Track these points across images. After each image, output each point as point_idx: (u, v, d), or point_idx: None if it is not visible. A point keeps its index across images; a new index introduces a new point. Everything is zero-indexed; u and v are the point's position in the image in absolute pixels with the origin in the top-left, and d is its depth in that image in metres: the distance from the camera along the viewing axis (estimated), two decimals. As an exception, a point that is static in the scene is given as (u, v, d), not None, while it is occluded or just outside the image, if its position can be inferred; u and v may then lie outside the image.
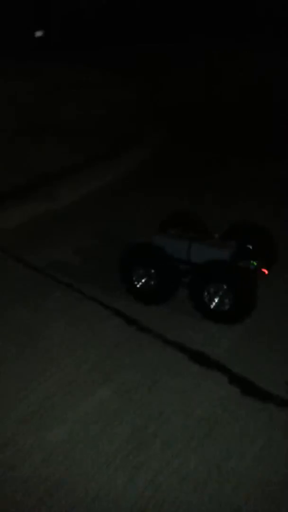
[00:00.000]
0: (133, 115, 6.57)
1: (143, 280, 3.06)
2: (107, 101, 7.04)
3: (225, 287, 2.82)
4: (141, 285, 3.06)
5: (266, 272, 3.09)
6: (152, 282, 3.03)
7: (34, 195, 4.45)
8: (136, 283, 3.06)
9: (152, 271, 3.00)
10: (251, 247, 3.16)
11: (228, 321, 2.89)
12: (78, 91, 7.56)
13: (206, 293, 2.88)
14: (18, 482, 1.98)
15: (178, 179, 5.04)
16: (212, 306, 2.87)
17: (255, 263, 3.07)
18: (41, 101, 7.10)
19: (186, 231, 3.23)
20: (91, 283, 3.22)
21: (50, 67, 8.89)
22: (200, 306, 2.94)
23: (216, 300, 2.86)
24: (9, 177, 4.71)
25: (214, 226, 3.29)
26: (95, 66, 8.94)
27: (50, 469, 2.02)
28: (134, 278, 3.06)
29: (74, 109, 6.67)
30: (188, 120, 6.68)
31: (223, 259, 2.94)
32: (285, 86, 8.09)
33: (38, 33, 10.57)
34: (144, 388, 2.41)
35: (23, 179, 4.67)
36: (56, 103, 6.94)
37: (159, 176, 5.16)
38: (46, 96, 7.32)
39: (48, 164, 5.01)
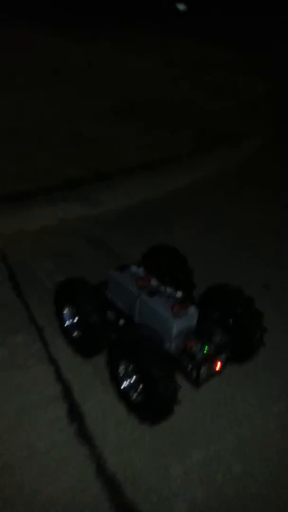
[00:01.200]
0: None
1: (70, 320, 2.61)
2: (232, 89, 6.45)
3: (131, 367, 2.19)
4: (68, 326, 2.61)
5: (218, 366, 2.28)
6: (78, 328, 2.54)
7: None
8: (65, 321, 2.62)
9: (76, 316, 2.52)
10: (219, 326, 2.37)
11: (139, 417, 2.22)
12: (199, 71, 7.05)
13: (121, 369, 2.24)
14: None
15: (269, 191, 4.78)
16: (122, 388, 2.27)
17: (206, 348, 2.26)
18: (154, 77, 6.71)
19: (157, 274, 2.57)
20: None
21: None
22: (114, 383, 2.33)
23: (125, 383, 2.24)
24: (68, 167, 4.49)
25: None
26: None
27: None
28: (63, 314, 2.61)
29: (184, 91, 6.23)
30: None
31: (169, 327, 2.23)
32: None
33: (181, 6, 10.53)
34: None
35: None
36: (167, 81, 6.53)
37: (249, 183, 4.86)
38: (162, 71, 6.86)
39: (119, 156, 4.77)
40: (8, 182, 4.21)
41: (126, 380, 2.25)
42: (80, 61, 8.07)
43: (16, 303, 3.04)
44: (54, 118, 5.71)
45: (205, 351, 2.24)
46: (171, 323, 2.23)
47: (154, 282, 2.50)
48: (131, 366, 2.17)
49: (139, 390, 2.17)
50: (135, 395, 2.22)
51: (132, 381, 2.21)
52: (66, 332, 2.64)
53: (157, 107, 6.42)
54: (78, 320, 2.53)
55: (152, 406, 2.11)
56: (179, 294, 2.41)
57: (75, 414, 2.31)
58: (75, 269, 3.36)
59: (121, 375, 2.25)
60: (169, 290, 2.43)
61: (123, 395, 2.28)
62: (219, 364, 2.28)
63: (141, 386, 2.15)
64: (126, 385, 2.25)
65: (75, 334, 2.58)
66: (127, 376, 2.23)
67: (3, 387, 2.44)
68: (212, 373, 2.29)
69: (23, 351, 2.67)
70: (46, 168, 4.52)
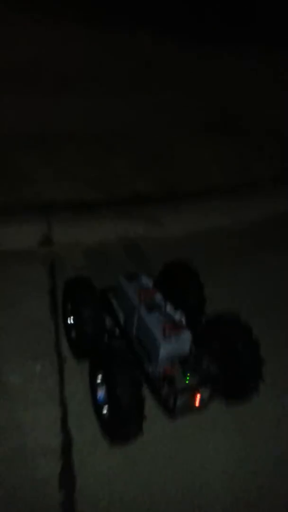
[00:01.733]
0: None
1: (71, 318, 2.58)
2: None
3: (99, 378, 2.12)
4: (69, 324, 2.60)
5: (197, 402, 2.04)
6: (74, 328, 2.52)
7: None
8: (66, 318, 2.60)
9: (73, 315, 2.52)
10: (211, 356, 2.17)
11: (106, 434, 2.11)
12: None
13: (98, 378, 2.16)
14: None
15: None
16: (97, 399, 2.16)
17: (188, 378, 2.08)
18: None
19: (164, 291, 2.41)
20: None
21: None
22: (92, 392, 2.23)
23: (99, 394, 2.14)
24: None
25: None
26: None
27: None
28: (66, 310, 2.60)
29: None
30: None
31: (156, 347, 2.08)
32: None
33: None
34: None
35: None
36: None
37: None
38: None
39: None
40: (81, 189, 4.04)
41: (100, 391, 2.15)
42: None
43: (48, 323, 2.85)
44: (141, 125, 5.45)
45: (186, 381, 2.07)
46: (158, 344, 2.08)
47: (158, 297, 2.36)
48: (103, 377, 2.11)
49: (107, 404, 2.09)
50: (105, 410, 2.10)
51: (103, 394, 2.12)
52: (66, 329, 2.62)
53: (254, 122, 5.93)
54: (74, 319, 2.51)
55: (114, 421, 2.00)
56: (178, 315, 2.23)
57: (67, 476, 2.05)
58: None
59: (98, 382, 2.16)
60: (169, 308, 2.27)
61: (97, 409, 2.17)
62: (198, 397, 2.04)
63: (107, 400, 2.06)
64: (100, 395, 2.15)
65: (72, 334, 2.54)
66: (101, 386, 2.14)
67: (3, 422, 2.24)
68: (191, 407, 2.06)
69: (38, 383, 2.46)
70: (118, 177, 4.29)
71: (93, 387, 2.20)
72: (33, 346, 2.68)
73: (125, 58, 7.26)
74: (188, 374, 2.08)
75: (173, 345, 2.10)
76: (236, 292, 3.26)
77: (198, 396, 2.04)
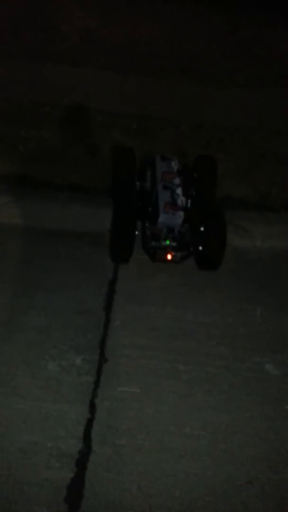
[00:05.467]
0: None
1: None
2: None
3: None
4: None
5: (169, 256, 2.93)
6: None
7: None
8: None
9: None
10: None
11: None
12: None
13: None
14: None
15: None
16: None
17: (168, 241, 2.92)
18: None
19: (186, 176, 3.14)
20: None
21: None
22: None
23: None
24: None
25: None
26: None
27: None
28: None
29: None
30: None
31: (157, 215, 2.92)
32: None
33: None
34: None
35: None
36: None
37: None
38: None
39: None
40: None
41: None
42: None
43: (100, 315, 2.74)
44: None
45: (167, 242, 2.92)
46: (158, 214, 2.91)
47: (176, 181, 3.04)
48: None
49: None
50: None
51: None
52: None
53: None
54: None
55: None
56: (181, 199, 2.99)
57: (76, 487, 1.94)
58: (184, 300, 2.93)
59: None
60: (179, 191, 3.00)
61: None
62: (171, 255, 2.92)
63: None
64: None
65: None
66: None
67: (30, 410, 2.18)
68: (166, 259, 2.94)
69: (73, 378, 2.37)
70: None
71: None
72: (79, 337, 2.59)
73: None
74: (169, 239, 2.92)
75: (168, 218, 2.92)
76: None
77: (171, 254, 2.93)
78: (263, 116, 4.71)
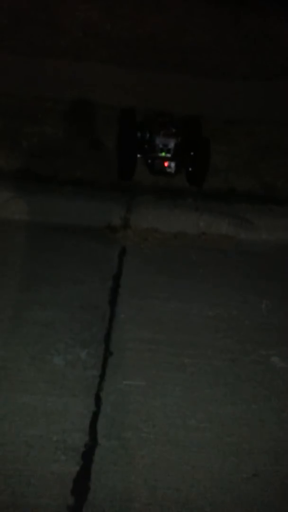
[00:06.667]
0: None
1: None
2: None
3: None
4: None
5: (166, 164, 3.54)
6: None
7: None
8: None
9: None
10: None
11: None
12: None
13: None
14: None
15: None
16: None
17: (164, 154, 3.52)
18: None
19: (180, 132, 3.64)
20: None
21: None
22: None
23: None
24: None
25: None
26: None
27: None
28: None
29: None
30: None
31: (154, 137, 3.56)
32: None
33: None
34: None
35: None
36: None
37: None
38: None
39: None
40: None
41: None
42: None
43: (105, 309, 2.74)
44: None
45: (163, 154, 3.53)
46: (156, 136, 3.56)
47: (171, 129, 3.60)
48: None
49: None
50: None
51: None
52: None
53: None
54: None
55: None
56: (172, 142, 3.56)
57: (81, 480, 1.94)
58: (189, 294, 2.92)
59: None
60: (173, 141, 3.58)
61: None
62: (166, 163, 3.54)
63: None
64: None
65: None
66: None
67: (36, 404, 2.18)
68: (163, 168, 3.59)
69: (79, 371, 2.37)
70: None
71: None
72: (84, 331, 2.59)
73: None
74: (164, 152, 3.52)
75: (163, 140, 3.53)
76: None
77: (167, 163, 3.54)
78: (267, 108, 4.70)
